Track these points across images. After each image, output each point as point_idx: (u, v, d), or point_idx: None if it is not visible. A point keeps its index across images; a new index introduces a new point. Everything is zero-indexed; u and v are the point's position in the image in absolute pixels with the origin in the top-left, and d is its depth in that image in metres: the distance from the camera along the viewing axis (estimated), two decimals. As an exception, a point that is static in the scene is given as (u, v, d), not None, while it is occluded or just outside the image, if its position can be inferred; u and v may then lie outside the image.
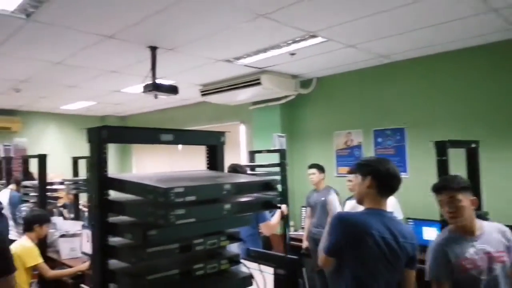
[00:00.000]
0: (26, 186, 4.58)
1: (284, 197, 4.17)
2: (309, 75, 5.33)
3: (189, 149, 7.40)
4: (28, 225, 3.63)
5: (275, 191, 1.42)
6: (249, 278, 1.46)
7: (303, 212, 5.15)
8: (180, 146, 7.58)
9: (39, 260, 3.48)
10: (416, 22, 3.43)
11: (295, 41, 3.83)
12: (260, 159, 4.50)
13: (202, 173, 1.58)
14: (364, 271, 1.96)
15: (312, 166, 4.68)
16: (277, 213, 3.63)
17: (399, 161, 4.50)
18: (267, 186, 1.39)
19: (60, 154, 7.18)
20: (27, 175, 4.95)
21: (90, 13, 3.13)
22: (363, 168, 2.09)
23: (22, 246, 3.44)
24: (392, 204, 3.45)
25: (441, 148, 2.62)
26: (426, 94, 4.45)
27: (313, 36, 3.71)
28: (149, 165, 8.61)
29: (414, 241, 2.03)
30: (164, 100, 6.56)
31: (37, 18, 3.16)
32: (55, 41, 3.77)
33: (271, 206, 1.40)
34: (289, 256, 2.81)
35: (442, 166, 2.60)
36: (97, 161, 1.29)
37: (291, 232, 4.86)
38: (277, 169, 4.16)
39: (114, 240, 1.32)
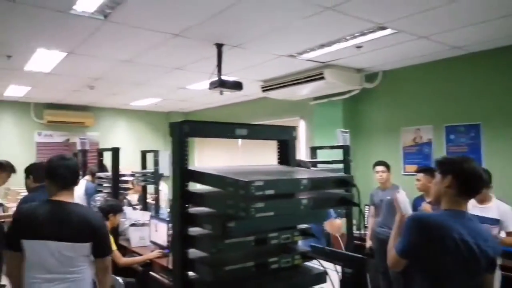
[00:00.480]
0: (100, 177, 4.91)
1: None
2: (375, 69, 5.15)
3: (248, 144, 7.49)
4: (103, 214, 3.88)
5: (351, 187, 1.38)
6: (323, 275, 1.44)
7: (366, 211, 5.00)
8: (239, 141, 7.71)
9: (114, 247, 3.71)
10: (498, 9, 3.17)
11: (362, 34, 3.71)
12: (321, 155, 4.43)
13: (275, 168, 1.58)
14: (441, 275, 1.86)
15: (380, 163, 4.52)
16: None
17: (475, 159, 4.19)
18: (344, 182, 1.36)
19: (128, 148, 7.58)
20: (101, 167, 5.29)
21: (160, 13, 3.26)
22: (444, 166, 1.96)
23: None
24: (504, 212, 3.22)
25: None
26: (505, 87, 4.11)
27: (382, 28, 3.57)
28: (209, 159, 8.84)
29: (495, 244, 1.90)
30: (225, 96, 6.68)
31: (113, 18, 3.35)
32: (127, 40, 3.98)
33: (347, 202, 1.37)
34: (357, 255, 2.74)
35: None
36: (179, 154, 1.34)
37: (354, 231, 4.74)
38: (340, 166, 4.07)
39: (193, 230, 1.37)
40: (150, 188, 5.56)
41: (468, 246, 1.80)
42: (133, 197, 6.06)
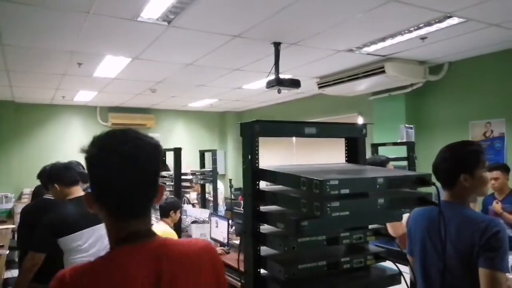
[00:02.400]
0: (163, 176, 5.12)
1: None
2: (440, 60, 4.88)
3: (303, 142, 7.43)
4: (164, 212, 4.03)
5: (430, 186, 1.32)
6: (397, 276, 1.39)
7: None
8: (294, 140, 7.67)
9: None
10: None
11: (428, 24, 3.53)
12: (382, 152, 4.28)
13: (346, 166, 1.55)
14: None
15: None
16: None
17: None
18: (422, 181, 1.30)
19: (186, 147, 7.84)
20: (164, 166, 5.51)
21: (220, 16, 3.33)
22: None
23: (164, 231, 3.85)
24: None
25: None
26: None
27: (449, 17, 3.37)
28: (265, 158, 8.87)
29: None
30: (279, 94, 6.69)
31: (176, 23, 3.47)
32: (188, 44, 4.11)
33: (426, 202, 1.31)
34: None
35: None
36: (250, 153, 1.36)
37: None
38: (404, 163, 3.91)
39: (265, 227, 1.38)
40: (207, 187, 5.72)
41: None
42: (192, 195, 6.26)
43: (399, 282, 1.40)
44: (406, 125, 3.88)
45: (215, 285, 1.13)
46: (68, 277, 0.97)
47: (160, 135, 9.01)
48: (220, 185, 6.28)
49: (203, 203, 5.73)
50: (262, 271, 1.36)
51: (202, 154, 6.08)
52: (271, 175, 1.35)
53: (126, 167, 1.03)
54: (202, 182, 5.65)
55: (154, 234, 1.09)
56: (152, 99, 7.60)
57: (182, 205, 4.78)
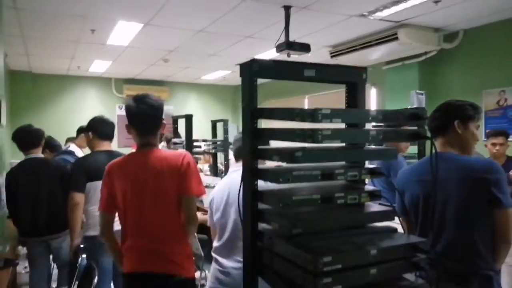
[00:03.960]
0: (175, 143, 5.22)
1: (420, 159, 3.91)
2: (455, 27, 4.76)
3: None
4: None
5: (424, 121, 1.34)
6: (390, 213, 1.42)
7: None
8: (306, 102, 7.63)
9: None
10: None
11: (440, -15, 3.45)
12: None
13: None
14: None
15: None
16: None
17: None
18: (416, 116, 1.31)
19: (199, 119, 7.93)
20: (176, 134, 5.60)
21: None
22: None
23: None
24: None
25: None
26: None
27: (463, -23, 3.29)
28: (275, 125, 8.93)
29: None
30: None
31: (185, -15, 3.48)
32: (198, 8, 4.11)
33: (418, 137, 1.33)
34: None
35: None
36: (249, 93, 1.40)
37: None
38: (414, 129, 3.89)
39: (262, 165, 1.43)
40: (219, 156, 5.82)
41: None
42: (204, 166, 6.38)
43: (391, 219, 1.43)
44: (417, 91, 3.84)
45: (177, 173, 1.96)
46: (108, 165, 2.03)
47: (174, 107, 9.11)
48: (231, 155, 6.36)
49: (215, 171, 5.83)
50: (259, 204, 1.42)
51: (214, 124, 6.14)
52: (269, 113, 1.39)
53: (148, 111, 1.99)
54: (213, 151, 5.73)
55: (156, 145, 2.07)
56: (166, 70, 7.65)
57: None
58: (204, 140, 5.47)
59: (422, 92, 3.85)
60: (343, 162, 1.43)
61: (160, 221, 1.94)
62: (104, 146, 2.98)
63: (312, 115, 1.15)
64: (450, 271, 1.78)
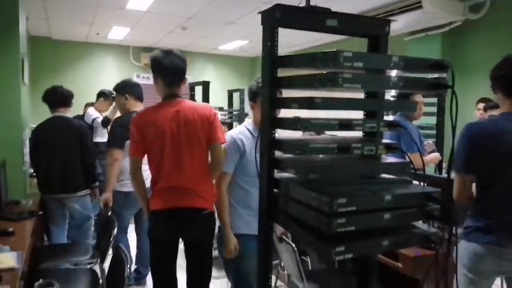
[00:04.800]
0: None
1: (439, 131, 3.87)
2: (482, -3, 4.60)
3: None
4: None
5: (446, 72, 1.32)
6: (407, 166, 1.43)
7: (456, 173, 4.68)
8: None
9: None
10: None
11: None
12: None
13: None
14: (501, 181, 1.83)
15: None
16: (433, 155, 3.45)
17: None
18: (440, 66, 1.30)
19: (216, 90, 7.93)
20: (192, 99, 5.63)
21: None
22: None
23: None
24: None
25: None
26: None
27: None
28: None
29: None
30: (309, 38, 6.53)
31: None
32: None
33: (442, 86, 1.31)
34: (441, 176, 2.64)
35: None
36: (270, 41, 1.39)
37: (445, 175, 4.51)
38: (434, 99, 3.83)
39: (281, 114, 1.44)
40: (234, 125, 5.83)
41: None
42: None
43: (408, 172, 1.44)
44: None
45: (206, 123, 2.20)
46: (139, 115, 2.25)
47: (191, 77, 9.10)
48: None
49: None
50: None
51: (230, 94, 6.16)
52: (289, 60, 1.38)
53: (176, 61, 2.20)
54: (229, 120, 5.76)
55: (180, 96, 2.27)
56: (184, 39, 7.61)
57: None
58: (220, 109, 5.50)
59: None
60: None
61: (192, 164, 2.16)
62: (139, 106, 3.20)
63: (334, 58, 1.15)
64: None
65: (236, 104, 5.89)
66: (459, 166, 1.94)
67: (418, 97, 3.15)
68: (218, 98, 6.95)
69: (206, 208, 2.19)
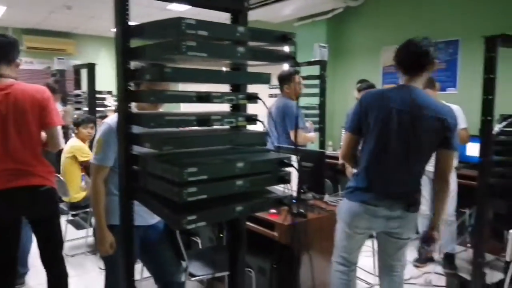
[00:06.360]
0: (77, 95, 4.89)
1: (322, 111, 4.12)
2: (360, -15, 4.99)
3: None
4: (75, 125, 3.90)
5: (292, 43, 1.37)
6: (264, 135, 1.47)
7: (344, 133, 5.09)
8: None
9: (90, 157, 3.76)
10: None
11: None
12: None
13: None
14: (377, 145, 2.01)
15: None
16: (310, 134, 3.66)
17: (449, 76, 4.22)
18: (285, 38, 1.35)
19: (110, 75, 7.48)
20: (78, 85, 5.22)
21: None
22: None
23: (72, 146, 3.76)
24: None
25: (491, 44, 2.39)
26: (487, 2, 4.03)
27: None
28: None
29: (447, 118, 1.98)
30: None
31: None
32: None
33: (287, 58, 1.37)
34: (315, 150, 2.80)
35: (490, 63, 2.38)
36: (120, 11, 1.32)
37: (329, 152, 4.86)
38: (316, 81, 4.07)
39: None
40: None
41: (404, 116, 1.96)
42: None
43: (265, 140, 1.48)
44: (320, 44, 3.98)
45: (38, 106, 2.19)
46: None
47: (82, 62, 8.44)
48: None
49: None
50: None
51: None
52: (140, 30, 1.34)
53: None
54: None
55: (10, 78, 2.18)
56: (70, 20, 7.01)
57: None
58: (109, 92, 5.20)
59: (325, 45, 4.01)
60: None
61: (23, 147, 2.18)
62: None
63: (176, 24, 1.12)
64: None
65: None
66: (347, 126, 2.17)
67: (298, 78, 3.31)
68: (112, 83, 6.54)
69: (45, 185, 2.25)
